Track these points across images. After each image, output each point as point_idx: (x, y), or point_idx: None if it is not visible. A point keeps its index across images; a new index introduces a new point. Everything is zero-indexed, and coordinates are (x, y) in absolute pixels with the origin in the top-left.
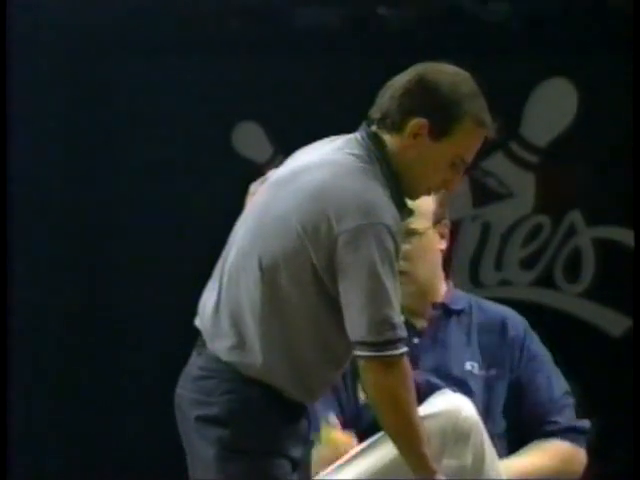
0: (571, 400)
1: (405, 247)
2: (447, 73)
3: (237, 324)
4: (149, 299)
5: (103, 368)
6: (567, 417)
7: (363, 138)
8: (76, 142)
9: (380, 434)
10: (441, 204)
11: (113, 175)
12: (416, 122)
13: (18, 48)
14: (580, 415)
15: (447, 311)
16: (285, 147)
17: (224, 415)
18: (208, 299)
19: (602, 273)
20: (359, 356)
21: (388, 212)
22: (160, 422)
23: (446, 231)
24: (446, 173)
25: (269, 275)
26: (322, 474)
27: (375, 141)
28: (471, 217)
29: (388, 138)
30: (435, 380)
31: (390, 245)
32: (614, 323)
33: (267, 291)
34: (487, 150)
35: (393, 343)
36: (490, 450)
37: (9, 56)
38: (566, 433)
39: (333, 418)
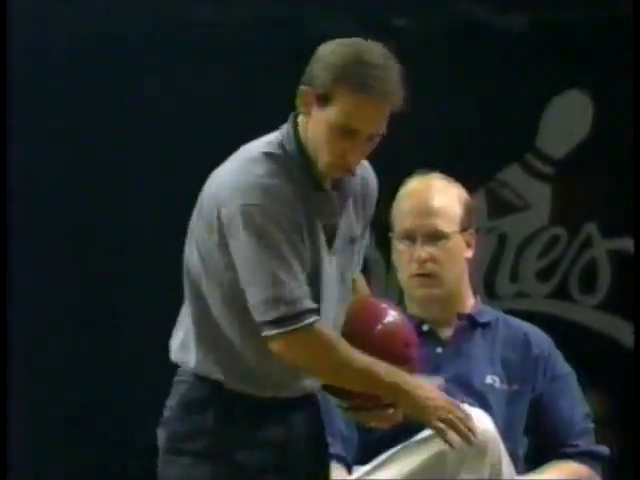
0: (591, 424)
1: (431, 249)
2: (339, 43)
3: (181, 322)
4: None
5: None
6: (586, 441)
7: (286, 123)
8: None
9: (413, 439)
10: (468, 211)
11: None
12: (301, 90)
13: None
14: (596, 427)
15: (473, 323)
16: None
17: (166, 417)
18: None
19: (618, 285)
20: (264, 337)
21: (262, 192)
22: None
23: (473, 241)
24: (339, 144)
25: (192, 274)
26: (354, 475)
27: (292, 122)
28: (487, 229)
29: (301, 117)
30: (455, 391)
31: (265, 224)
32: (629, 335)
33: (192, 288)
34: (503, 162)
35: (290, 319)
36: (508, 466)
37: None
38: (584, 457)
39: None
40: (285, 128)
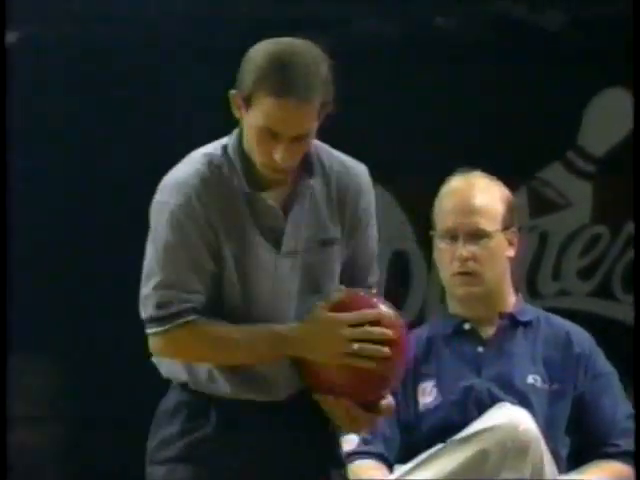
0: (632, 424)
1: (473, 248)
2: (264, 44)
3: None
4: None
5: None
6: (628, 441)
7: None
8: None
9: (455, 437)
10: (509, 209)
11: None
12: (230, 94)
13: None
14: None
15: (514, 322)
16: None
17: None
18: None
19: None
20: None
21: (175, 191)
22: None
23: (515, 239)
24: (264, 146)
25: None
26: (392, 476)
27: (239, 125)
28: (528, 227)
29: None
30: (496, 390)
31: (161, 221)
32: None
33: None
34: (545, 160)
35: (158, 320)
36: (550, 465)
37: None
38: (626, 457)
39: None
40: (234, 131)
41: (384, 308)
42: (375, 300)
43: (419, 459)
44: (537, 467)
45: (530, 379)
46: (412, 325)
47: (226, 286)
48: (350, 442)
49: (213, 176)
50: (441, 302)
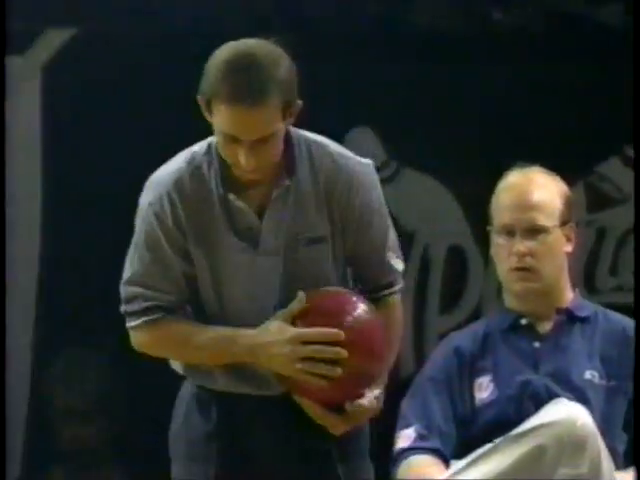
0: None
1: (530, 244)
2: (223, 48)
3: None
4: None
5: None
6: None
7: None
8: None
9: (512, 433)
10: (567, 205)
11: None
12: (197, 98)
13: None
14: None
15: (571, 317)
16: (398, 153)
17: None
18: None
19: None
20: None
21: (152, 188)
22: None
23: (572, 235)
24: (228, 149)
25: None
26: (445, 474)
27: None
28: (586, 222)
29: None
30: (553, 386)
31: (137, 218)
32: None
33: None
34: (602, 154)
35: (128, 315)
36: (607, 461)
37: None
38: None
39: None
40: None
41: (354, 312)
42: (343, 304)
43: (475, 455)
44: (594, 463)
45: (587, 375)
46: (468, 321)
47: (201, 287)
48: (406, 438)
49: (192, 175)
50: (498, 297)
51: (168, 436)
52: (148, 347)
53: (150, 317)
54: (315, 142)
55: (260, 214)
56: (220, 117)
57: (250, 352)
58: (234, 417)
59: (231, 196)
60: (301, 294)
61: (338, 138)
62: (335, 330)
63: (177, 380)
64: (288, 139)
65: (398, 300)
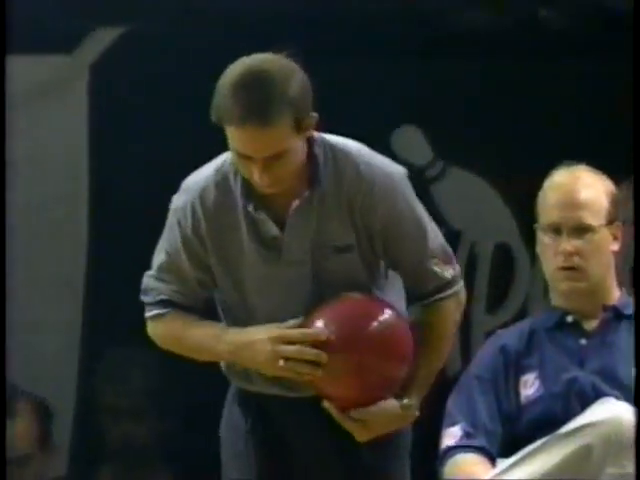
0: None
1: (577, 243)
2: (232, 67)
3: None
4: None
5: None
6: None
7: None
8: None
9: (558, 432)
10: (614, 203)
11: None
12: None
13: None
14: None
15: (618, 315)
16: (445, 151)
17: None
18: None
19: None
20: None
21: (181, 195)
22: None
23: (619, 233)
24: (242, 166)
25: None
26: (491, 473)
27: None
28: (632, 221)
29: None
30: (600, 383)
31: (169, 224)
32: None
33: None
34: None
35: (145, 305)
36: None
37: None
38: None
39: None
40: None
41: (378, 317)
42: (366, 309)
43: (521, 454)
44: None
45: (634, 373)
46: (515, 319)
47: (225, 296)
48: (452, 436)
49: (217, 185)
50: (544, 296)
51: (218, 434)
52: (156, 339)
53: (159, 311)
54: (342, 151)
55: (282, 224)
56: (231, 136)
57: (234, 350)
58: (271, 417)
59: (250, 207)
60: (294, 322)
61: (384, 137)
62: (316, 330)
63: (223, 378)
64: (311, 149)
65: (447, 306)
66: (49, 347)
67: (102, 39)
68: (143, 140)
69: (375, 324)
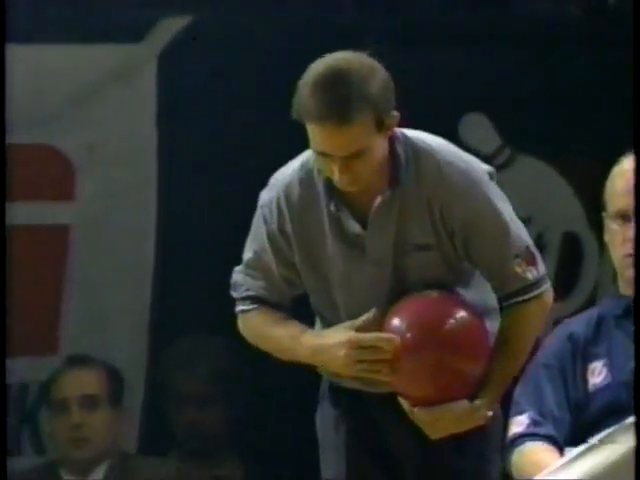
0: None
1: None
2: (313, 66)
3: None
4: None
5: None
6: None
7: None
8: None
9: (617, 426)
10: None
11: None
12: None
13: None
14: None
15: None
16: (512, 139)
17: None
18: None
19: None
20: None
21: (269, 190)
22: None
23: None
24: (322, 164)
25: None
26: (544, 473)
27: None
28: None
29: None
30: None
31: (256, 220)
32: None
33: None
34: None
35: (237, 301)
36: None
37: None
38: None
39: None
40: None
41: (454, 315)
42: (440, 307)
43: (590, 442)
44: None
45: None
46: (583, 307)
47: (310, 293)
48: (519, 424)
49: (301, 180)
50: (613, 284)
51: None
52: (245, 334)
53: (246, 307)
54: (424, 149)
55: (364, 223)
56: (311, 134)
57: (311, 354)
58: (359, 410)
59: (332, 205)
60: (372, 313)
61: (452, 124)
62: (390, 335)
63: (293, 366)
64: (392, 147)
65: (528, 308)
66: (118, 332)
67: (170, 28)
68: (212, 129)
69: (449, 324)
